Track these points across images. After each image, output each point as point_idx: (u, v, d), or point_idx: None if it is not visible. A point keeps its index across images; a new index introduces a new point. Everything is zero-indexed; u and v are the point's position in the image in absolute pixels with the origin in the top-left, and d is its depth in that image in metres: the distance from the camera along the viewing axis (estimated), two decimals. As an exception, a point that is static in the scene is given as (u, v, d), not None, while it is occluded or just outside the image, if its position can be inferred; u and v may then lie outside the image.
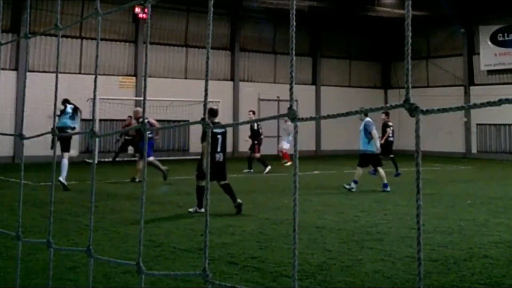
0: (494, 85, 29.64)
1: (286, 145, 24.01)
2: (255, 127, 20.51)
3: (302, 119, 1.41)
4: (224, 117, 25.75)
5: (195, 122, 1.63)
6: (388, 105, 1.25)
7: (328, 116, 1.41)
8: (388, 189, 14.33)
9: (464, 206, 12.00)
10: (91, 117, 24.56)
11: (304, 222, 9.43)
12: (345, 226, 9.49)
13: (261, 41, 31.09)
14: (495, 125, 29.97)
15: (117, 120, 26.13)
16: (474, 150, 30.96)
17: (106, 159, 23.83)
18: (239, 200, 10.82)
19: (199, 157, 24.55)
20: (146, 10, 26.04)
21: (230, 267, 6.72)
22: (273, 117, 1.53)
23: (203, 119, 1.51)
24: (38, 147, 16.68)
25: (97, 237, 8.05)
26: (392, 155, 19.94)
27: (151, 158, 15.59)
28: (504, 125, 29.54)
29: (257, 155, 20.21)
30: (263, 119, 1.53)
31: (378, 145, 14.89)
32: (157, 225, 9.28)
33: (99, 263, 6.13)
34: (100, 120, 24.36)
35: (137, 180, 15.89)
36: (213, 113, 10.95)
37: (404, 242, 8.12)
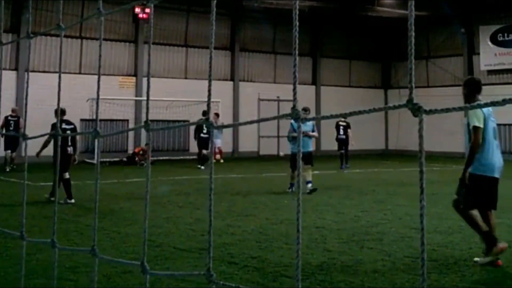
0: (494, 85, 29.59)
1: (218, 142, 24.71)
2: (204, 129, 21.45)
3: (303, 119, 1.42)
4: (224, 117, 25.79)
5: (196, 122, 1.64)
6: (391, 105, 1.25)
7: (328, 116, 1.42)
8: (289, 190, 14.07)
9: (464, 206, 11.97)
10: (90, 117, 24.60)
11: (304, 222, 9.43)
12: (345, 226, 9.49)
13: (261, 41, 31.08)
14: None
15: (117, 120, 26.12)
16: (474, 150, 30.89)
17: (105, 159, 23.81)
18: (72, 201, 11.72)
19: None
20: (146, 10, 26.05)
21: (230, 267, 6.73)
22: (276, 118, 1.53)
23: (207, 119, 1.52)
24: (37, 147, 16.64)
25: (98, 237, 8.03)
26: (342, 151, 21.74)
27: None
28: (504, 125, 29.52)
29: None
30: (266, 119, 1.53)
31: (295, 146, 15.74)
32: (157, 225, 9.28)
33: (99, 263, 6.13)
34: (100, 120, 24.26)
35: None
36: (62, 112, 12.04)
37: (404, 242, 8.13)
